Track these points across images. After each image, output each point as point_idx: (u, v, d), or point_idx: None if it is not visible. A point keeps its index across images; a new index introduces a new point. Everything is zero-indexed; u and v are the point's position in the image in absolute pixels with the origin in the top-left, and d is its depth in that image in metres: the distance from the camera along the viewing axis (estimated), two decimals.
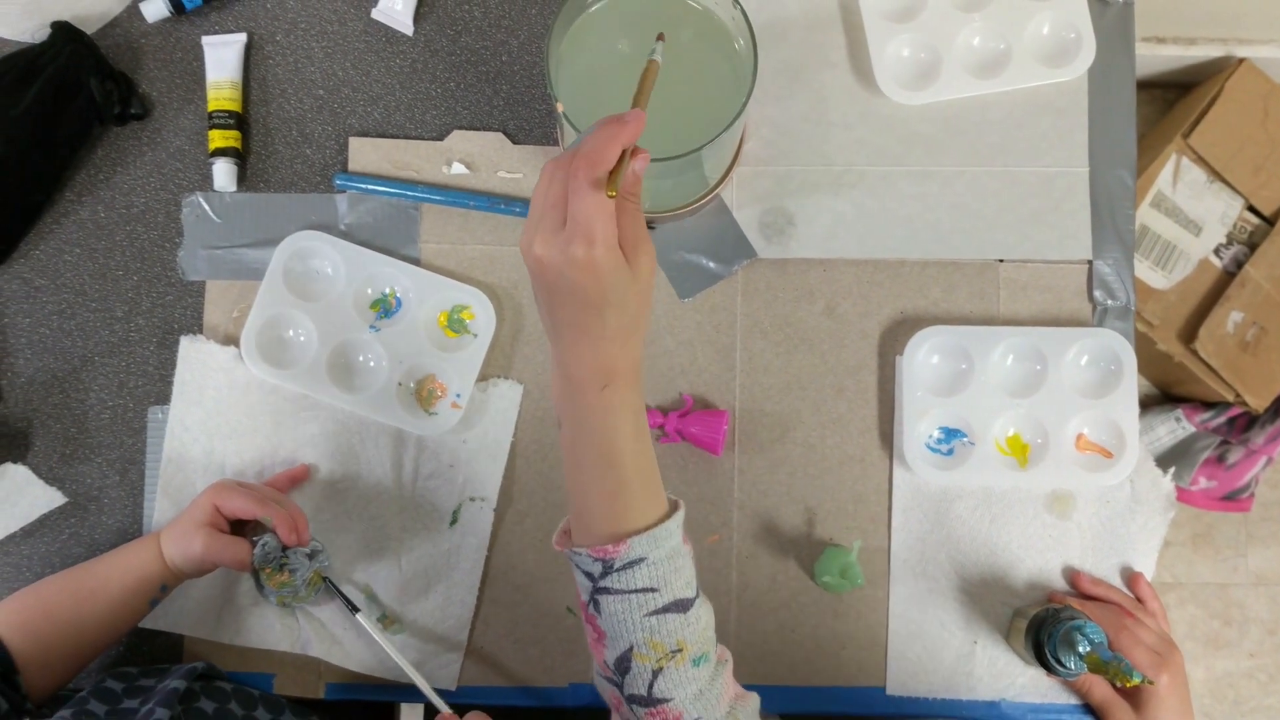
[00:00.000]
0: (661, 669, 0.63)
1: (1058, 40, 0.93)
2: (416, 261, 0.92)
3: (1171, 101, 1.66)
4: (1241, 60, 1.49)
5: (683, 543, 0.65)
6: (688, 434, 0.89)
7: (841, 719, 0.90)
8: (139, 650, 0.89)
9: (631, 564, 0.62)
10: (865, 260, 0.93)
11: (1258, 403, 1.46)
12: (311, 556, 0.83)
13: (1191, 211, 1.46)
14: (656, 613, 0.63)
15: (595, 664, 0.68)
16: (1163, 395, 1.65)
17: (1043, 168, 0.93)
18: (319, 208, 0.93)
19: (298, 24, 0.95)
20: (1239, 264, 1.45)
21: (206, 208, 0.93)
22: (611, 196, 0.55)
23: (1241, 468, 1.52)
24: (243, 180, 0.93)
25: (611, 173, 0.56)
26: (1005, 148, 0.93)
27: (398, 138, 0.94)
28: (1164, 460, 1.55)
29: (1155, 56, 1.55)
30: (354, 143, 0.93)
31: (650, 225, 0.92)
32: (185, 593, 0.88)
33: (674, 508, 0.66)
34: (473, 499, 0.90)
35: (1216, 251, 1.46)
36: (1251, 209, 1.47)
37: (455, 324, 0.91)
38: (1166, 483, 0.91)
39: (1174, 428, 1.56)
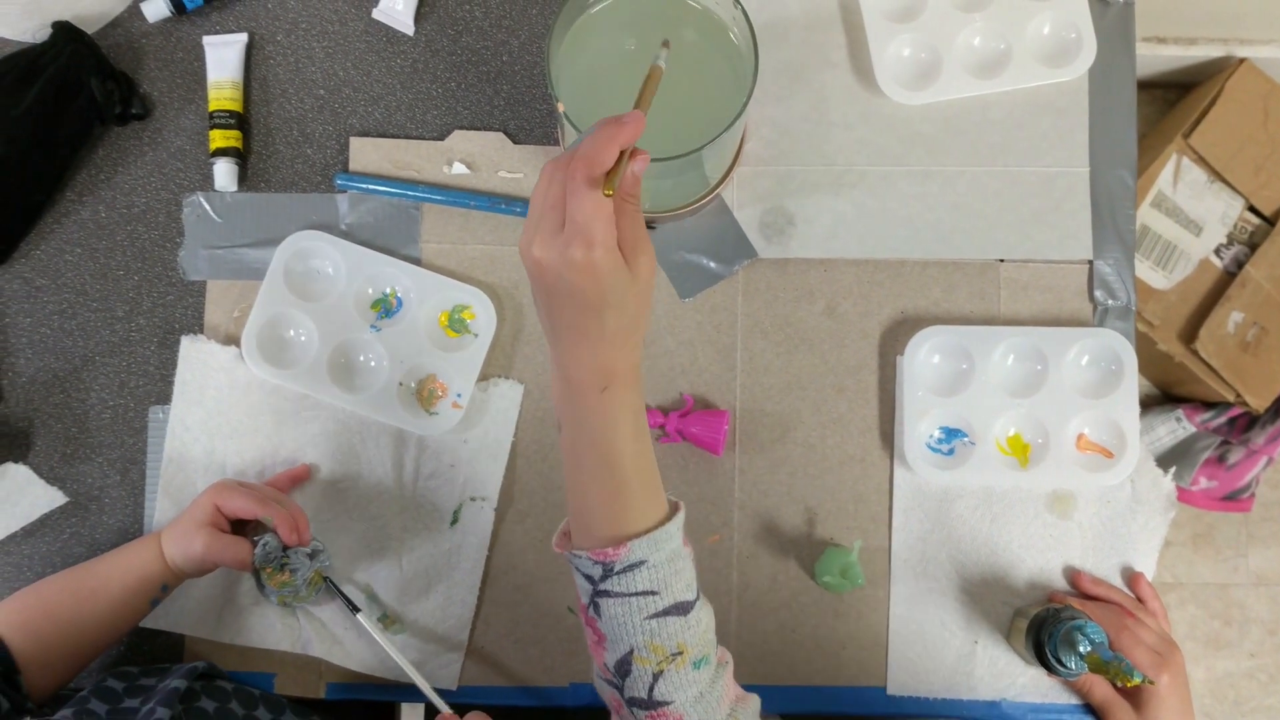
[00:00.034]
0: (662, 672, 0.63)
1: (1058, 40, 0.93)
2: (417, 261, 0.92)
3: (1172, 101, 1.66)
4: (1242, 60, 1.49)
5: (683, 545, 0.65)
6: (688, 434, 0.89)
7: (842, 719, 0.90)
8: (140, 650, 0.89)
9: (632, 567, 0.62)
10: (866, 260, 0.93)
11: (1258, 403, 1.46)
12: (312, 556, 0.83)
13: (1192, 211, 1.46)
14: (657, 615, 0.63)
15: (595, 666, 0.68)
16: (1163, 395, 1.65)
17: (1043, 168, 0.93)
18: (320, 207, 0.93)
19: (299, 24, 0.95)
20: (1239, 264, 1.45)
21: (207, 207, 0.93)
22: (608, 196, 0.55)
23: (1242, 468, 1.52)
24: (244, 180, 0.93)
25: (609, 173, 0.55)
26: (1006, 148, 0.93)
27: (398, 137, 0.94)
28: (1164, 460, 1.55)
29: (1156, 56, 1.55)
30: (355, 142, 0.93)
31: (651, 225, 0.92)
32: (186, 592, 0.88)
33: (674, 509, 0.65)
34: (473, 499, 0.90)
35: (1217, 251, 1.46)
36: (1252, 209, 1.47)
37: (456, 324, 0.91)
38: (1167, 483, 0.91)
39: (1174, 428, 1.56)
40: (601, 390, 0.60)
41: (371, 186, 0.92)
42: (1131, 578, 0.90)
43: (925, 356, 0.90)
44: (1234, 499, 1.55)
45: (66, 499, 0.91)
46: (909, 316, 0.92)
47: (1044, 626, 0.82)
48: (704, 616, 0.66)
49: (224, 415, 0.90)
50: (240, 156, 0.92)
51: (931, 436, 0.90)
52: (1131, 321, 0.92)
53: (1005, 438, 0.90)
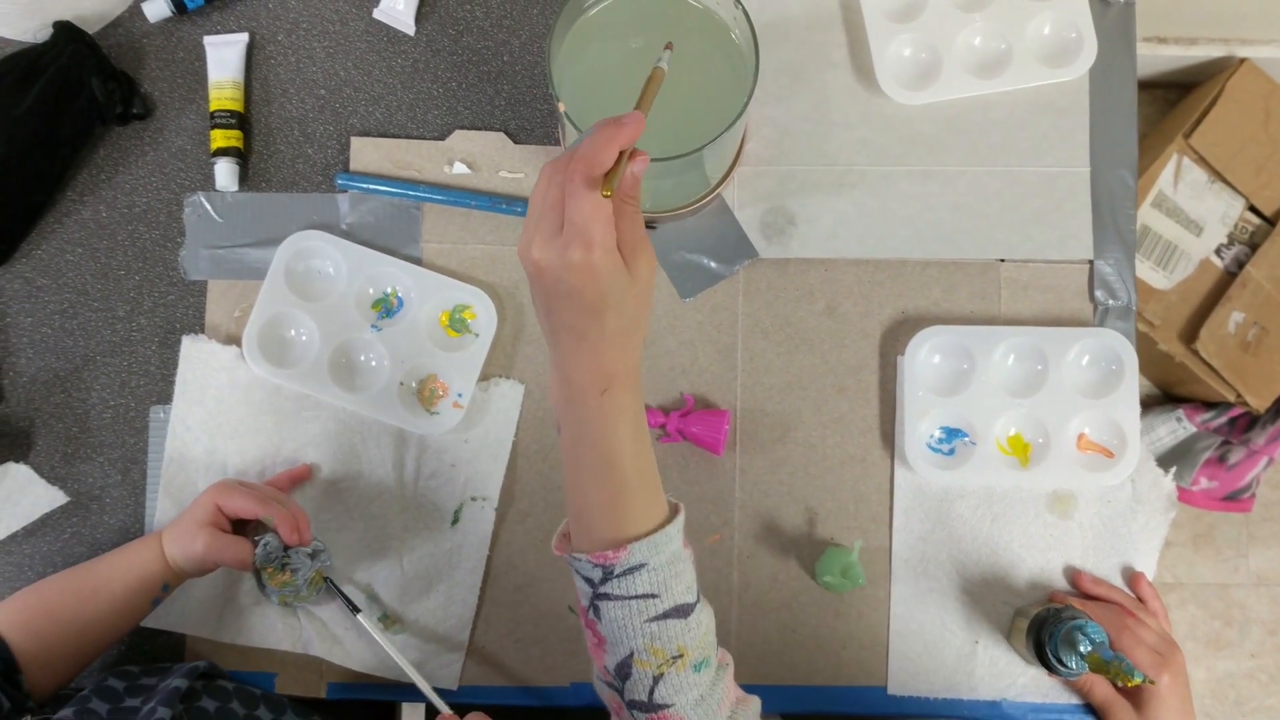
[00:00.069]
0: (662, 675, 0.63)
1: (1059, 40, 0.93)
2: (418, 261, 0.92)
3: (1173, 101, 1.66)
4: (1243, 60, 1.49)
5: (683, 547, 0.65)
6: (689, 434, 0.89)
7: (843, 718, 0.90)
8: (141, 649, 0.90)
9: (631, 570, 0.62)
10: (866, 260, 0.93)
11: (1259, 403, 1.46)
12: (313, 556, 0.83)
13: (1193, 211, 1.46)
14: (657, 619, 0.63)
15: (595, 669, 0.68)
16: (1164, 395, 1.65)
17: (1044, 168, 0.93)
18: (321, 207, 0.93)
19: (300, 24, 0.95)
20: (1240, 264, 1.45)
21: (208, 207, 0.93)
22: (606, 197, 0.55)
23: (1242, 468, 1.52)
24: (244, 180, 0.93)
25: (608, 174, 0.55)
26: (1006, 148, 0.93)
27: (399, 137, 0.94)
28: (1165, 460, 1.55)
29: (1157, 56, 1.55)
30: (356, 142, 0.94)
31: (651, 225, 0.92)
32: (187, 592, 0.88)
33: (674, 512, 0.65)
34: (474, 499, 0.90)
35: (1218, 252, 1.46)
36: (1253, 209, 1.47)
37: (457, 323, 0.91)
38: (1168, 483, 0.91)
39: (1175, 428, 1.56)
40: (601, 392, 0.60)
41: (372, 186, 0.92)
42: (1132, 578, 0.90)
43: (926, 356, 0.90)
44: (1234, 499, 1.55)
45: (67, 499, 0.91)
46: (910, 316, 0.92)
47: (1044, 626, 0.82)
48: (704, 619, 0.66)
49: (225, 415, 0.90)
50: (241, 156, 0.92)
51: (932, 436, 0.90)
52: (1132, 321, 0.92)
53: (1006, 438, 0.90)
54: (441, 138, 0.94)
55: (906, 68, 0.93)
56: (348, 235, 0.92)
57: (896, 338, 0.92)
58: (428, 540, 0.90)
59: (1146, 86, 1.65)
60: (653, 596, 0.62)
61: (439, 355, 0.90)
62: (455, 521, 0.90)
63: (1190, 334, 1.43)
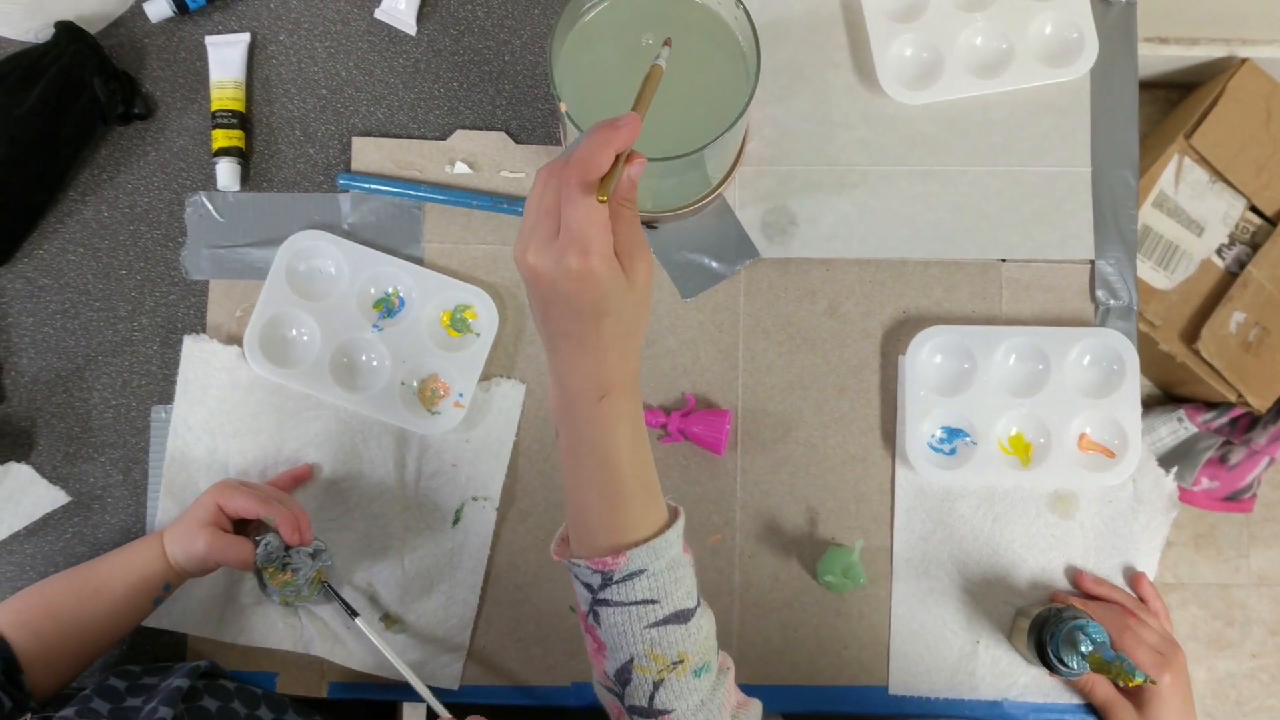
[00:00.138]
0: (662, 680, 0.63)
1: (1060, 40, 0.93)
2: (419, 261, 0.92)
3: (1174, 102, 1.66)
4: (1244, 60, 1.49)
5: (683, 552, 0.65)
6: (690, 434, 0.89)
7: (844, 718, 0.89)
8: (142, 649, 0.90)
9: (631, 576, 0.62)
10: (868, 260, 0.93)
11: (1260, 403, 1.46)
12: (314, 556, 0.83)
13: (1194, 212, 1.46)
14: (657, 624, 0.62)
15: (595, 674, 0.68)
16: (1165, 396, 1.65)
17: (1045, 167, 0.93)
18: (322, 207, 0.93)
19: (301, 24, 0.95)
20: (1241, 264, 1.45)
21: (210, 207, 0.93)
22: (602, 202, 0.54)
23: (1244, 468, 1.52)
24: (246, 180, 0.93)
25: (604, 178, 0.54)
26: (1008, 147, 0.93)
27: (401, 137, 0.94)
28: (1166, 460, 1.55)
29: (1158, 56, 1.55)
30: (357, 142, 0.94)
31: (652, 225, 0.92)
32: (188, 592, 0.88)
33: (674, 516, 0.65)
34: (475, 498, 0.90)
35: (1219, 252, 1.46)
36: (1254, 209, 1.47)
37: (458, 323, 0.91)
38: (1169, 483, 0.91)
39: (1176, 428, 1.56)
40: (599, 398, 0.60)
41: (374, 186, 0.92)
42: (1133, 578, 0.90)
43: (927, 356, 0.90)
44: (1236, 499, 1.55)
45: (69, 498, 0.91)
46: (911, 316, 0.92)
47: (1046, 626, 0.82)
48: (704, 624, 0.65)
49: (226, 415, 0.90)
50: (243, 156, 0.92)
51: (933, 436, 0.90)
52: (1133, 321, 0.92)
53: (1007, 437, 0.90)
54: (443, 138, 0.94)
55: (908, 67, 0.93)
56: (349, 235, 0.92)
57: (898, 337, 0.92)
58: (429, 540, 0.90)
59: (1148, 86, 1.65)
60: (652, 602, 0.62)
61: (440, 355, 0.90)
62: (456, 521, 0.90)
63: (1191, 334, 1.43)
